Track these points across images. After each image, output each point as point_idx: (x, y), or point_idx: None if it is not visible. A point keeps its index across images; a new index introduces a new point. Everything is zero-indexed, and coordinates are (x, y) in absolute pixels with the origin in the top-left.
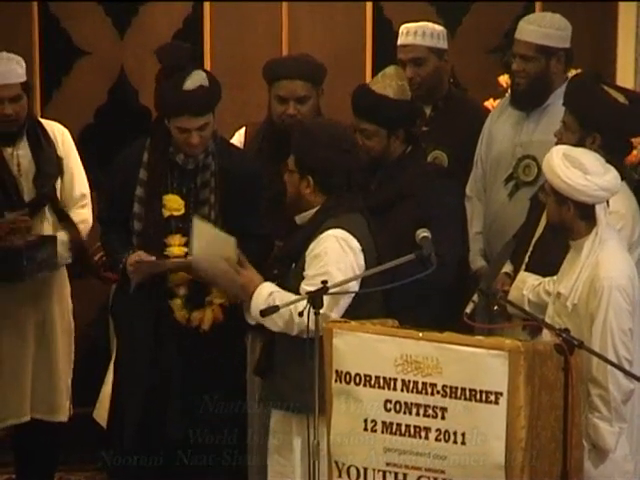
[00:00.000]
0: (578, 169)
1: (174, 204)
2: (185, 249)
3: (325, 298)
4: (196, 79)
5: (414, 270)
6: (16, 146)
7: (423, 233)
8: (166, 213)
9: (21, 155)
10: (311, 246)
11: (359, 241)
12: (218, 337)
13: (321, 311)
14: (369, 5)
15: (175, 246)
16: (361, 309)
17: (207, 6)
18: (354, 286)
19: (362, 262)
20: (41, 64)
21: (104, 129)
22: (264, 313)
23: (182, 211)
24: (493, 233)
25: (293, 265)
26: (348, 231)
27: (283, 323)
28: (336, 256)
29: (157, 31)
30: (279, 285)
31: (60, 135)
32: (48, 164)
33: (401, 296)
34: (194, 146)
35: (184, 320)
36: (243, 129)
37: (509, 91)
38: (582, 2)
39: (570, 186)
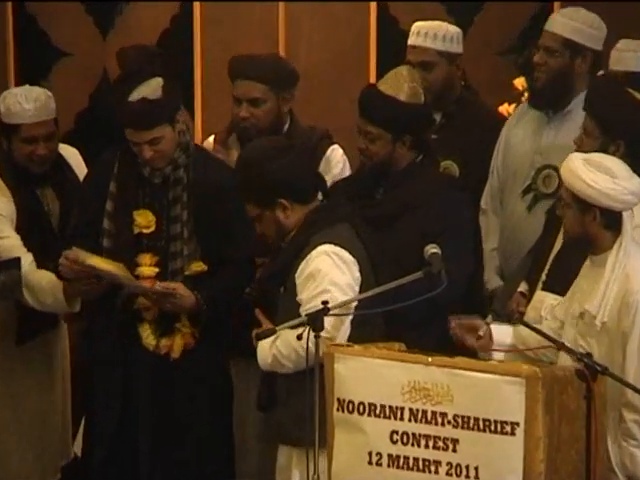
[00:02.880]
0: (604, 173)
1: (144, 220)
2: (156, 269)
3: (327, 320)
4: (144, 90)
5: (420, 287)
6: (43, 186)
7: (432, 249)
8: (136, 230)
9: (48, 193)
10: (300, 267)
11: (350, 252)
12: (194, 366)
13: (325, 334)
14: (373, 2)
15: (145, 266)
16: (358, 331)
17: (197, 4)
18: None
19: (358, 274)
20: (16, 66)
21: (85, 136)
22: (259, 336)
23: (152, 228)
24: (510, 250)
25: (282, 289)
26: (337, 244)
27: (293, 363)
28: (331, 273)
29: (143, 31)
30: (267, 311)
31: (74, 159)
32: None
33: (403, 316)
34: (148, 160)
35: (152, 347)
36: (212, 137)
37: (526, 95)
38: (605, 3)
39: (598, 191)
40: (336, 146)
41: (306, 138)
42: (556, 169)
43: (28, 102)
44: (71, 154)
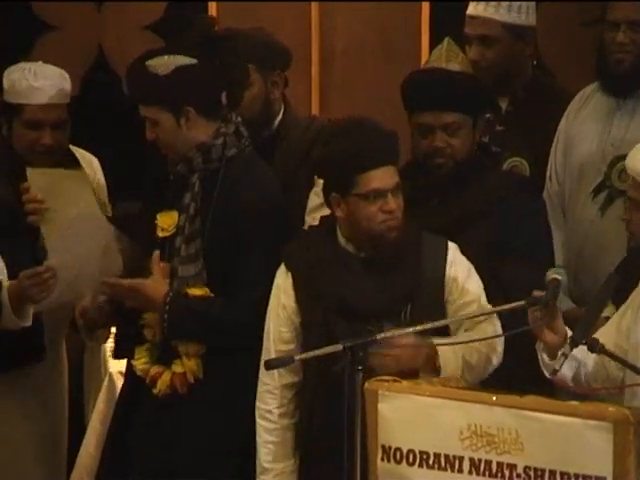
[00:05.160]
0: None
1: (165, 223)
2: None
3: None
4: (157, 60)
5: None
6: None
7: (554, 274)
8: (158, 231)
9: None
10: (451, 271)
11: None
12: (189, 415)
13: None
14: None
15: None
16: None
17: None
18: None
19: None
20: None
21: (76, 128)
22: (269, 365)
23: (169, 233)
24: (583, 263)
25: (404, 313)
26: None
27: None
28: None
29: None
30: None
31: (90, 167)
32: None
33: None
34: (147, 139)
35: (139, 372)
36: None
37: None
38: None
39: None
40: None
41: (303, 130)
42: None
43: (38, 79)
44: (96, 166)
